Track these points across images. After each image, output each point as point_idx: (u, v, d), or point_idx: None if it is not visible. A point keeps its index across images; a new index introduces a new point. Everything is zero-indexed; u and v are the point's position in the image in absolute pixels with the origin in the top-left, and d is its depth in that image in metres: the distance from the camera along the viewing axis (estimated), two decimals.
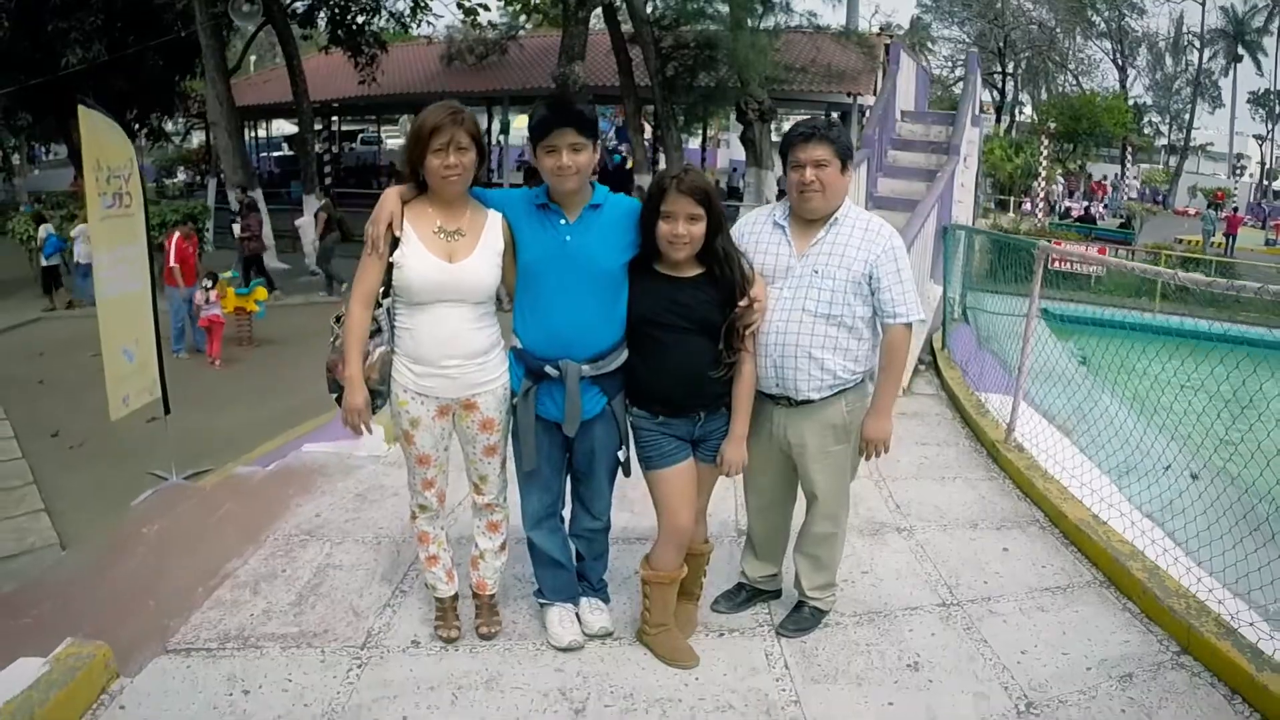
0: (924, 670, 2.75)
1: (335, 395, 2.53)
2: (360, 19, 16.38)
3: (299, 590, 3.15)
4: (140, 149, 28.45)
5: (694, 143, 25.04)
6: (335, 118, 26.34)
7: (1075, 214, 22.86)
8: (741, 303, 2.50)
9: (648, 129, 18.23)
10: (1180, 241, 19.90)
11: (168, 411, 5.82)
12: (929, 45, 39.10)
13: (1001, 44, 31.24)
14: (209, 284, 9.11)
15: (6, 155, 25.40)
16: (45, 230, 12.86)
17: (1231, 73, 42.62)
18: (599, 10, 14.81)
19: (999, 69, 32.16)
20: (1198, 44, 36.75)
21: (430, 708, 2.49)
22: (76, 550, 4.58)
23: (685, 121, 17.27)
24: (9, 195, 24.16)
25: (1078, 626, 3.08)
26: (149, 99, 19.29)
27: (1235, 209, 25.25)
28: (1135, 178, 32.33)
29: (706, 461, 2.63)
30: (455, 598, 2.83)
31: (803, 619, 2.90)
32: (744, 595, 3.02)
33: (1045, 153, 21.87)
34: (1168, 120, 41.96)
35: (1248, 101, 41.25)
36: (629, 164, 18.12)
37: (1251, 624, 2.93)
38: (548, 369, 2.52)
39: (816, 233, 2.62)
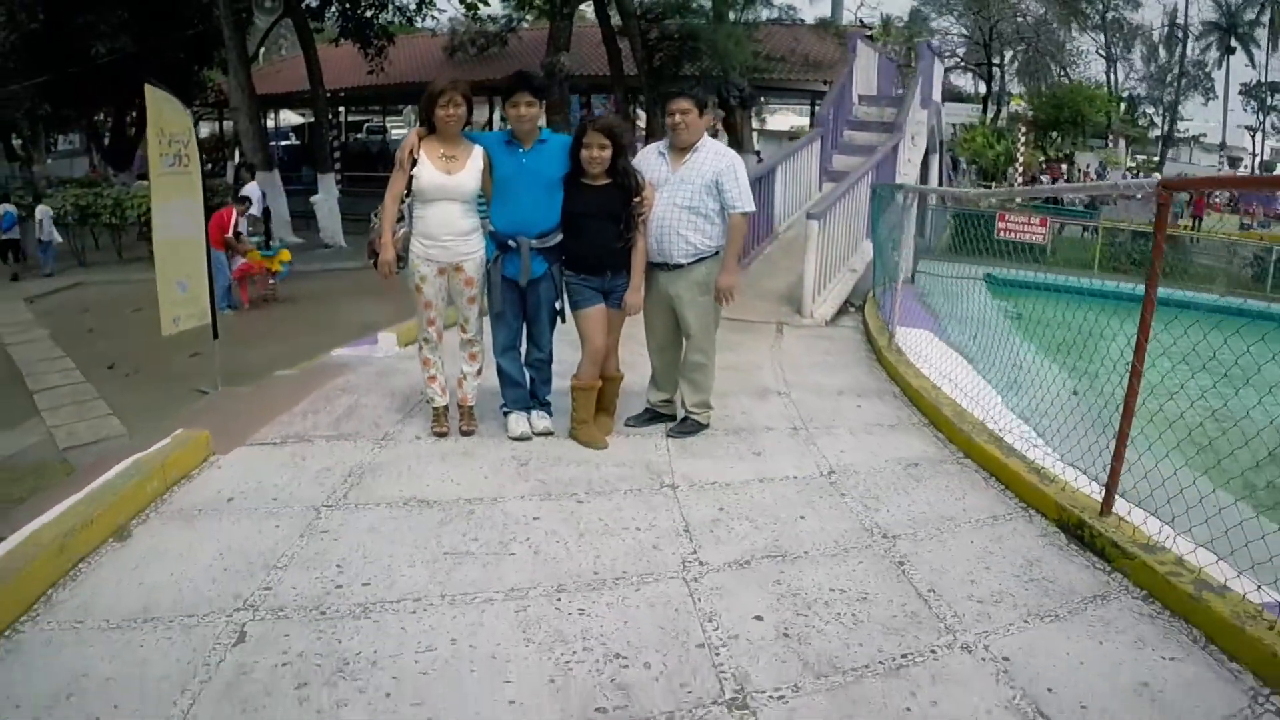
0: (764, 456, 4.11)
1: (372, 261, 3.92)
2: (369, 13, 17.75)
3: (336, 416, 4.52)
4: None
5: None
6: (341, 108, 27.77)
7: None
8: (636, 200, 3.87)
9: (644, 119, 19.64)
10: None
11: (216, 336, 7.21)
12: (929, 35, 40.39)
13: (988, 36, 32.46)
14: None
15: (25, 144, 26.85)
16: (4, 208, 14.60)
17: (1225, 65, 43.86)
18: (591, 5, 16.19)
19: (985, 60, 33.37)
20: (1181, 35, 37.87)
21: (426, 465, 3.85)
22: (145, 436, 5.97)
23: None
24: (25, 182, 25.63)
25: (892, 442, 4.43)
26: (170, 88, 20.70)
27: (1205, 194, 26.49)
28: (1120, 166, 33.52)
29: (614, 307, 3.98)
30: (446, 408, 4.19)
31: (685, 427, 4.26)
32: (647, 416, 4.37)
33: (1024, 140, 23.15)
34: (1162, 111, 43.14)
35: (1240, 93, 42.40)
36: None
37: (1011, 432, 4.32)
38: (510, 243, 3.87)
39: (685, 157, 3.98)
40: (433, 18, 17.93)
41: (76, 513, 3.05)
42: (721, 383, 4.62)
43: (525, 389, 4.17)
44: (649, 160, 4.09)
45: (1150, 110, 43.62)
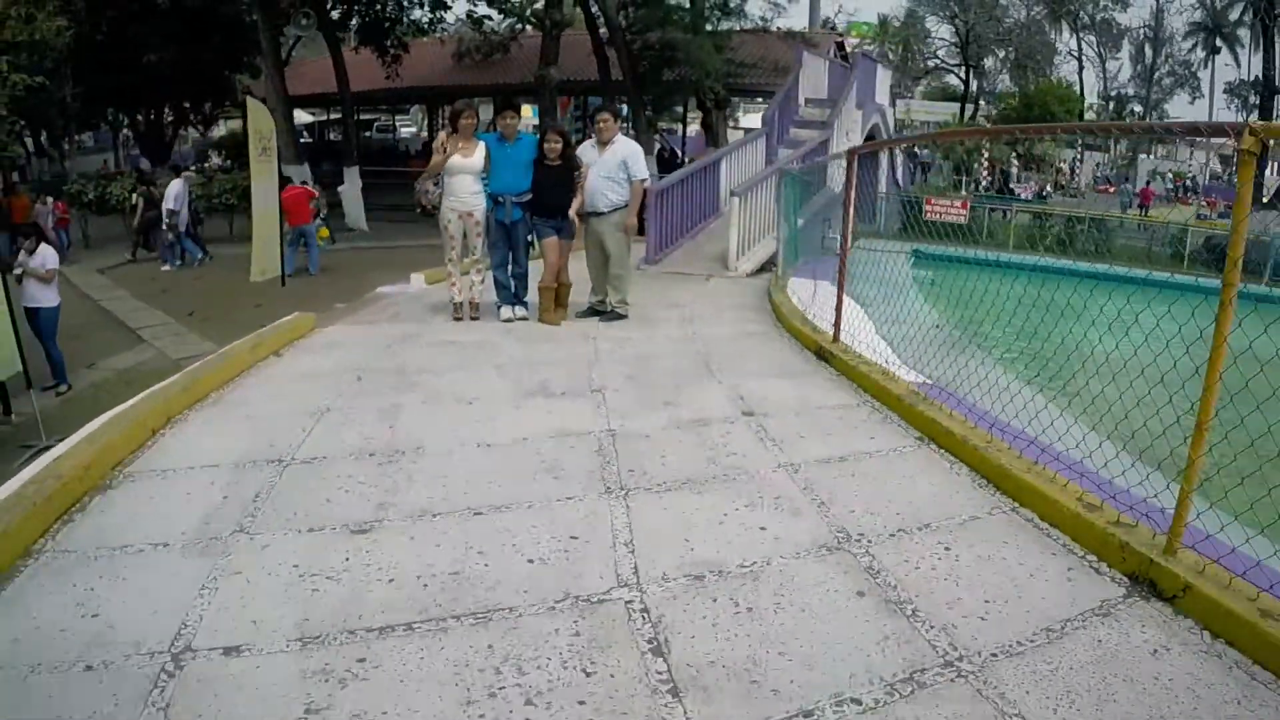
0: (656, 330, 6.78)
1: (419, 210, 6.66)
2: (386, 24, 20.56)
3: (389, 315, 7.24)
4: (186, 136, 32.95)
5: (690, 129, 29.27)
6: (354, 107, 30.68)
7: (1022, 193, 26.84)
8: (576, 173, 6.59)
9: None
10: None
11: (284, 284, 10.00)
12: (915, 39, 43.08)
13: (965, 38, 35.11)
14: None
15: (52, 140, 29.79)
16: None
17: (1210, 64, 46.38)
18: (582, 18, 18.95)
19: (963, 62, 36.02)
20: (1153, 36, 40.44)
21: (450, 332, 6.54)
22: None
23: (654, 109, 21.37)
24: (56, 176, 28.55)
25: (746, 329, 7.09)
26: (206, 90, 23.66)
27: (1148, 183, 29.19)
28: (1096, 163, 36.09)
29: (564, 238, 6.67)
30: (461, 303, 6.90)
31: (611, 317, 6.94)
32: (588, 310, 7.07)
33: (988, 140, 25.76)
34: (1148, 110, 45.59)
35: (1224, 92, 44.86)
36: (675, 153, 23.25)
37: (860, 342, 7.00)
38: (500, 199, 6.58)
39: (606, 148, 6.69)
40: (443, 29, 20.69)
41: (255, 342, 5.80)
42: (650, 305, 7.33)
43: (510, 291, 6.88)
44: (585, 150, 6.80)
45: (1138, 109, 46.08)
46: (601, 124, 6.70)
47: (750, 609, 2.57)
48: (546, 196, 6.58)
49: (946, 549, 2.99)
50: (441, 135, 6.64)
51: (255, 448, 3.94)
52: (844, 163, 13.27)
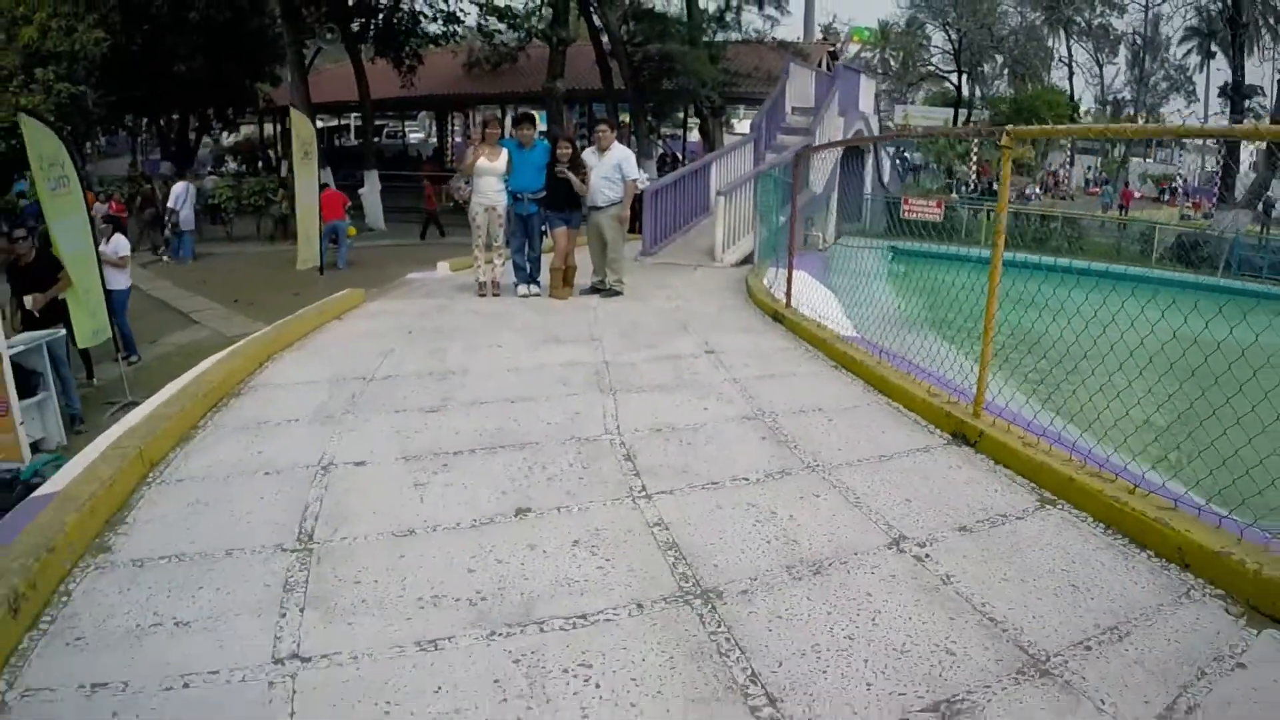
0: (646, 304, 8.26)
1: (452, 204, 8.18)
2: (401, 36, 22.18)
3: (422, 294, 8.76)
4: (214, 138, 34.65)
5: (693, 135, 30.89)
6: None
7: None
8: (581, 175, 8.10)
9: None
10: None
11: (322, 272, 11.52)
12: (913, 46, 44.73)
13: (958, 46, 36.70)
14: None
15: (79, 144, 31.57)
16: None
17: (1205, 69, 47.84)
18: (586, 30, 20.55)
19: (956, 68, 37.59)
20: (1143, 43, 41.95)
21: (475, 303, 8.05)
22: None
23: (654, 117, 22.96)
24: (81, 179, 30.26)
25: (725, 306, 8.57)
26: (229, 98, 25.34)
27: (1126, 183, 30.72)
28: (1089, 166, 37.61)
29: (572, 227, 8.20)
30: (485, 283, 8.41)
31: (609, 292, 8.43)
32: (590, 289, 8.58)
33: (977, 142, 27.28)
34: (1144, 114, 47.06)
35: (1217, 95, 46.26)
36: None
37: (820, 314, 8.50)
38: (518, 196, 8.10)
39: (605, 154, 8.20)
40: (455, 40, 22.31)
41: (320, 309, 7.32)
42: (643, 288, 8.84)
43: (526, 272, 8.39)
44: (589, 155, 8.31)
45: (1134, 113, 47.54)
46: (600, 134, 8.23)
47: (689, 444, 4.06)
48: (558, 193, 8.09)
49: (829, 420, 4.48)
50: (474, 141, 8.16)
51: (342, 371, 5.44)
52: (830, 159, 14.75)
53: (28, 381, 7.75)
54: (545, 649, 2.44)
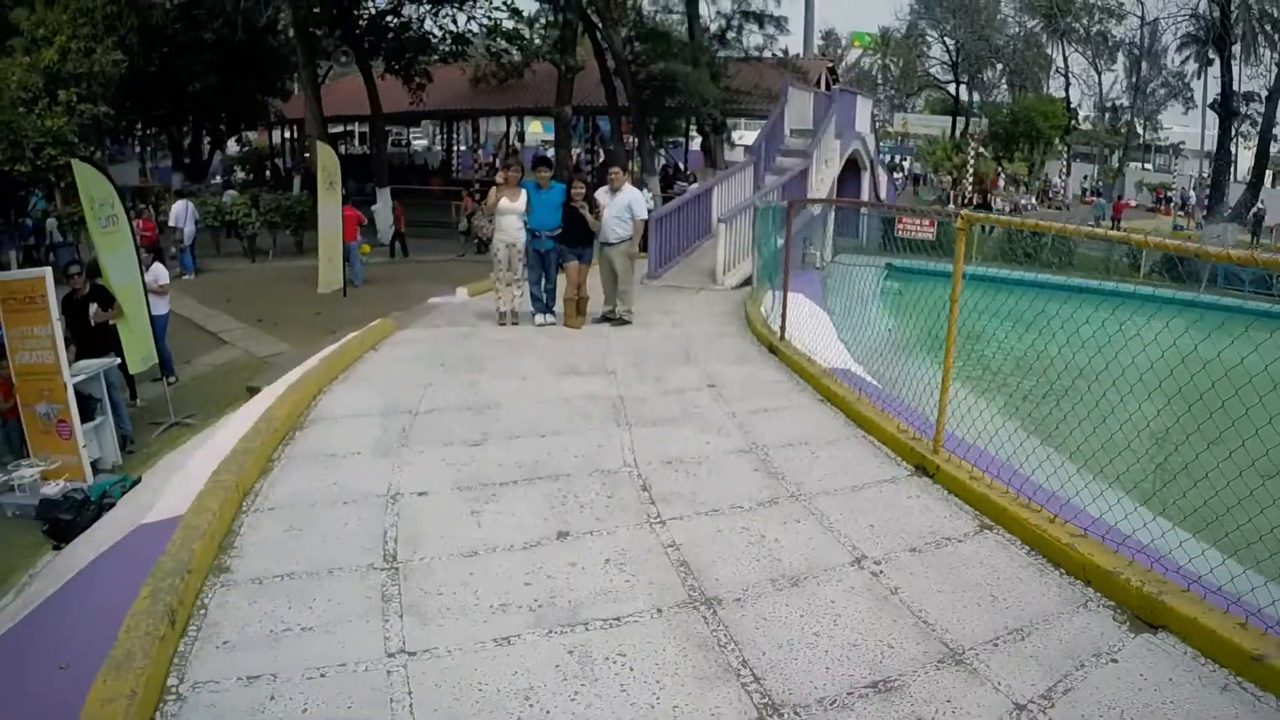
0: (652, 330, 9.12)
1: (477, 241, 9.06)
2: (409, 54, 23.03)
3: (445, 321, 9.60)
4: (225, 152, 35.52)
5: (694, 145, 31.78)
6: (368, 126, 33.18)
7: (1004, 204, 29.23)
8: (594, 213, 8.97)
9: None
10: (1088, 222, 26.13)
11: (345, 295, 12.38)
12: (913, 53, 45.62)
13: (955, 56, 37.58)
14: None
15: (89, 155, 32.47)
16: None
17: (1203, 76, 48.67)
18: (592, 46, 21.42)
19: (954, 79, 38.48)
20: (1138, 53, 42.82)
21: (497, 332, 8.91)
22: (313, 352, 11.12)
23: (656, 134, 23.84)
24: None
25: (722, 331, 9.41)
26: (242, 113, 26.22)
27: (1120, 195, 31.59)
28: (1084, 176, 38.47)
29: (584, 262, 9.06)
30: (504, 313, 9.26)
31: (619, 322, 9.29)
32: (601, 318, 9.43)
33: (973, 153, 28.17)
34: (1143, 122, 48.01)
35: (1210, 105, 47.07)
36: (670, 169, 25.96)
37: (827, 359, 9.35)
38: (536, 233, 8.97)
39: (617, 194, 9.07)
40: (464, 58, 23.18)
41: (361, 339, 8.19)
42: (649, 312, 9.70)
43: (543, 302, 9.25)
44: (601, 195, 9.19)
45: (1133, 120, 48.43)
46: (613, 176, 9.10)
47: (694, 475, 4.92)
48: (573, 230, 8.94)
49: (813, 453, 5.33)
50: (493, 190, 9.06)
51: (390, 405, 6.29)
52: (829, 180, 15.66)
53: (87, 406, 8.61)
54: (590, 643, 3.29)
